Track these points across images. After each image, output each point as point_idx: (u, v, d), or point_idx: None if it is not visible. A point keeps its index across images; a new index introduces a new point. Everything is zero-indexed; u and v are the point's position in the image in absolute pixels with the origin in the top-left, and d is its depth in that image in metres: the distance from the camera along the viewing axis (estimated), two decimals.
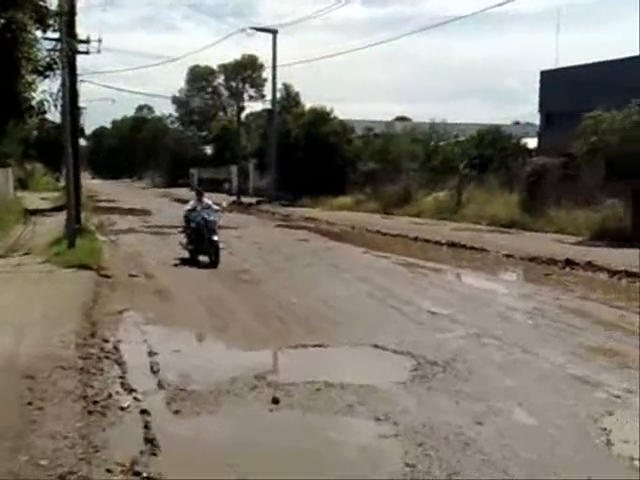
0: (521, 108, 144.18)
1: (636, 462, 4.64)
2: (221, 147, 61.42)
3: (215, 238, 13.65)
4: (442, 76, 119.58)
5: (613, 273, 12.98)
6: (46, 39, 13.68)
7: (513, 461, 4.65)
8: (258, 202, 37.29)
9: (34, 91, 11.80)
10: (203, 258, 13.95)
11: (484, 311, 9.84)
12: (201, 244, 13.87)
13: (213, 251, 13.61)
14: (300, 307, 9.88)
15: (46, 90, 12.63)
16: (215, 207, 14.64)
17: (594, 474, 4.50)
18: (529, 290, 12.39)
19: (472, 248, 17.17)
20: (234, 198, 40.03)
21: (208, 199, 15.01)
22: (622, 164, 17.90)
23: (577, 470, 4.59)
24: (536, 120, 34.11)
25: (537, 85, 31.00)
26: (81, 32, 21.11)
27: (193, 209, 14.48)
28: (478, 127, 33.81)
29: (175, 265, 13.84)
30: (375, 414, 5.47)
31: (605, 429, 5.22)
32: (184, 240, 14.75)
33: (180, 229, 15.45)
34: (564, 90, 27.66)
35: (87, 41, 23.20)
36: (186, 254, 14.44)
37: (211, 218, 14.01)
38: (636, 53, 25.17)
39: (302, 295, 10.76)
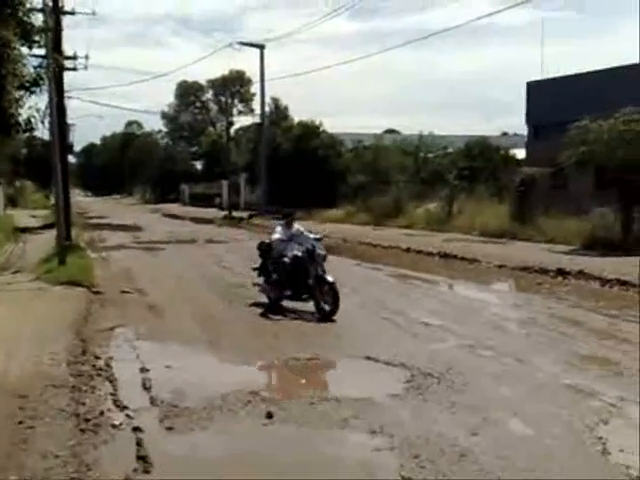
0: (509, 119, 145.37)
1: (632, 471, 4.62)
2: (211, 162, 61.47)
3: (330, 278, 9.84)
4: (429, 89, 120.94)
5: (605, 281, 13.01)
6: (33, 56, 13.63)
7: (509, 471, 4.63)
8: (250, 216, 37.24)
9: (21, 107, 11.71)
10: (290, 303, 10.43)
11: (477, 321, 9.83)
12: (302, 286, 10.09)
13: (329, 296, 9.77)
14: (293, 321, 9.82)
15: (33, 106, 12.56)
16: (314, 235, 10.83)
17: None
18: (521, 300, 12.41)
19: (464, 259, 17.19)
20: (226, 213, 40.07)
21: (300, 225, 11.31)
22: (610, 173, 18.04)
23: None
24: (524, 131, 34.35)
25: (524, 96, 31.23)
26: (68, 48, 21.22)
27: (288, 239, 10.67)
28: (466, 139, 34.00)
29: (263, 315, 10.09)
30: (370, 427, 5.42)
31: (601, 438, 5.20)
32: (260, 280, 11.01)
33: (254, 266, 11.29)
34: (550, 101, 27.84)
35: (74, 57, 23.33)
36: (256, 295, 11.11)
37: (318, 251, 10.23)
38: (622, 63, 25.50)
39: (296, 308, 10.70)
